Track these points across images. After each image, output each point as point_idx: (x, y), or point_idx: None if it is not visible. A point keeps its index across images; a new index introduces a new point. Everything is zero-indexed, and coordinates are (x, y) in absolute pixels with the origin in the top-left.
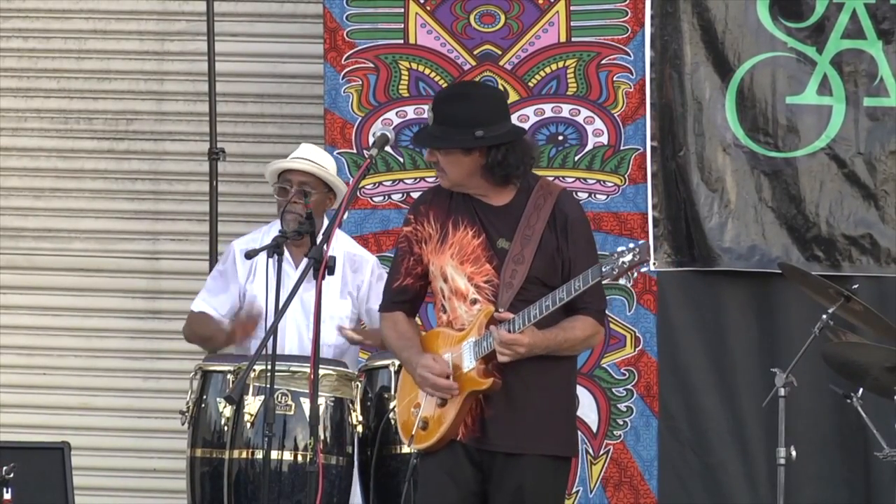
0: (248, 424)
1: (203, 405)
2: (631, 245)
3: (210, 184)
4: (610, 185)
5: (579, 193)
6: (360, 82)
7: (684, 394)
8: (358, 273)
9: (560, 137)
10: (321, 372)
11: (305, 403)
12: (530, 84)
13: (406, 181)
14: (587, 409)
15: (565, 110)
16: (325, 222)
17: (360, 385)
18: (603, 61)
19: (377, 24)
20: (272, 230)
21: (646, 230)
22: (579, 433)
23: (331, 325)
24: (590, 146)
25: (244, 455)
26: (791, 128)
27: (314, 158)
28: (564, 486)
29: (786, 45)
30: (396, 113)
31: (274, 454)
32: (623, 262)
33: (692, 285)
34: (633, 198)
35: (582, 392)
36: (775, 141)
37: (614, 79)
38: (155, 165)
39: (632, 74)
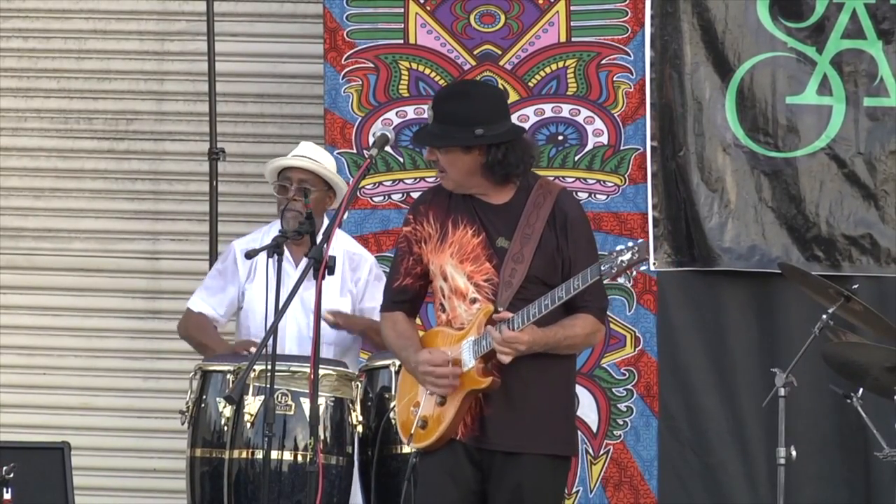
0: (248, 424)
1: (203, 405)
2: (630, 244)
3: (210, 184)
4: (610, 185)
5: (579, 193)
6: (360, 82)
7: (684, 394)
8: (356, 271)
9: (560, 137)
10: (321, 372)
11: (305, 403)
12: (530, 84)
13: (406, 181)
14: (587, 409)
15: (565, 110)
16: (325, 222)
17: (360, 385)
18: (603, 61)
19: (377, 24)
20: (272, 230)
21: (646, 230)
22: (579, 433)
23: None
24: (590, 146)
25: (244, 455)
26: (791, 128)
27: (314, 156)
28: (564, 485)
29: (786, 45)
30: (396, 113)
31: (274, 454)
32: (622, 261)
33: (692, 285)
34: (633, 198)
35: (582, 392)
36: (775, 141)
37: (614, 79)
38: (155, 165)
39: (632, 74)
